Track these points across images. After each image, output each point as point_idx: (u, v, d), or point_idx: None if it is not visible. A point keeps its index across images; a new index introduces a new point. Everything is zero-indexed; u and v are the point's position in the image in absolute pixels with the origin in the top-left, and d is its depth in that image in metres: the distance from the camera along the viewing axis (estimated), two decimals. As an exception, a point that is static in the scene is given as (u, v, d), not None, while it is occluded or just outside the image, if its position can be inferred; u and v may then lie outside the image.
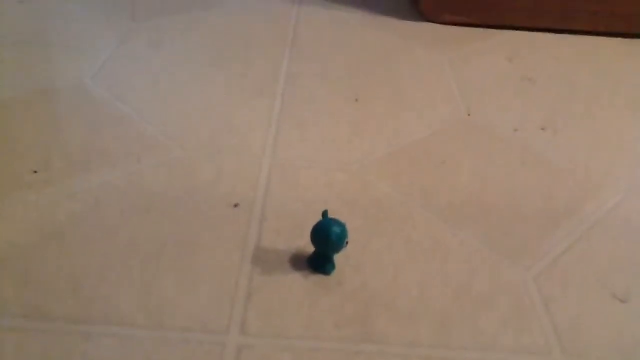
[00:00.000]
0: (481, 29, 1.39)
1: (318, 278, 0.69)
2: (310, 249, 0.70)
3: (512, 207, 0.84)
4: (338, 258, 0.71)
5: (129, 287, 0.66)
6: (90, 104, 1.00)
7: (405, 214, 0.81)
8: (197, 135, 0.93)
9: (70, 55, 1.14)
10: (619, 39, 1.39)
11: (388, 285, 0.69)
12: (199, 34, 1.25)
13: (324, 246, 0.67)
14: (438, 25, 1.40)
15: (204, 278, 0.68)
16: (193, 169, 0.86)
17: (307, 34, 1.30)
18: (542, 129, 1.04)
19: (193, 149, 0.90)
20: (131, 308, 0.63)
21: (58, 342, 0.59)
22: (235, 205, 0.79)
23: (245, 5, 1.41)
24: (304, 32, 1.31)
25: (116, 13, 1.31)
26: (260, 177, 0.85)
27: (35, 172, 0.82)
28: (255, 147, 0.91)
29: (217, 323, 0.63)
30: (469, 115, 1.05)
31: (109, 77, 1.07)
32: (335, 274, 0.70)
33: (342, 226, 0.67)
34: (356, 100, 1.06)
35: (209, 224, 0.76)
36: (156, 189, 0.81)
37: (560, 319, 0.67)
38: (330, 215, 0.69)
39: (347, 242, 0.68)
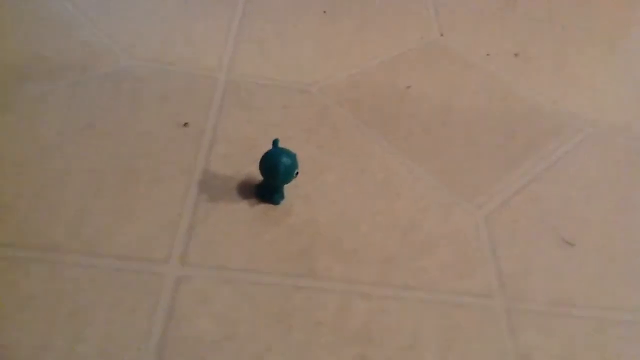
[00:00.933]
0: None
1: (265, 208, 0.67)
2: (260, 176, 0.68)
3: (472, 143, 0.81)
4: (287, 188, 0.68)
5: (63, 213, 0.63)
6: (34, 2, 0.91)
7: (362, 143, 0.78)
8: (149, 44, 0.86)
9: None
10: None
11: (336, 220, 0.68)
12: None
13: (273, 177, 0.65)
14: None
15: (145, 205, 0.65)
16: (141, 82, 0.80)
17: None
18: (515, 54, 1.00)
19: (143, 59, 0.84)
20: (64, 235, 0.61)
21: (-15, 266, 0.57)
22: (185, 125, 0.75)
23: None
24: None
25: None
26: (214, 96, 0.80)
27: (-32, 77, 0.76)
28: (210, 61, 0.85)
29: (156, 253, 0.61)
30: (441, 35, 1.00)
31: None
32: (283, 204, 0.68)
33: (292, 157, 0.64)
34: (324, 12, 0.99)
35: (155, 145, 0.72)
36: (100, 103, 0.76)
37: (506, 262, 0.67)
38: (284, 142, 0.66)
39: (297, 173, 0.65)
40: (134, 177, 0.68)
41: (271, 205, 0.67)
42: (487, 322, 0.61)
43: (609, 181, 0.80)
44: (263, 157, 0.64)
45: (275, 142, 0.65)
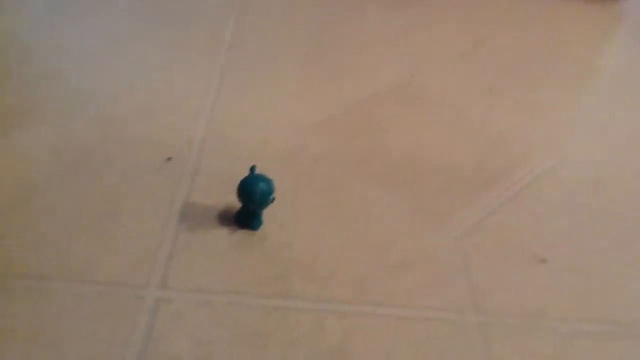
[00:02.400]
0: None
1: (244, 234, 0.70)
2: (234, 205, 0.71)
3: (444, 172, 0.85)
4: (265, 215, 0.71)
5: (50, 246, 0.65)
6: (24, 55, 0.97)
7: (336, 175, 0.81)
8: (135, 92, 0.91)
9: (7, 7, 1.09)
10: (578, 0, 1.38)
11: (311, 245, 0.70)
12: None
13: (250, 201, 0.68)
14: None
15: (129, 236, 0.68)
16: (128, 125, 0.84)
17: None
18: (484, 94, 1.05)
19: (129, 106, 0.88)
20: (50, 265, 0.63)
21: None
22: (168, 159, 0.78)
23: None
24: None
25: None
26: (196, 134, 0.84)
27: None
28: (193, 106, 0.90)
29: (137, 278, 0.63)
30: (412, 76, 1.05)
31: (46, 30, 1.03)
32: (261, 230, 0.71)
33: (268, 182, 0.67)
34: (305, 54, 1.05)
35: (140, 180, 0.75)
36: (88, 144, 0.80)
37: (478, 279, 0.69)
38: (262, 172, 0.69)
39: (273, 198, 0.68)
40: (118, 211, 0.71)
41: (250, 232, 0.70)
42: (460, 337, 0.63)
43: (574, 204, 0.83)
44: (241, 182, 0.68)
45: (252, 169, 0.68)
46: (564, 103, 1.06)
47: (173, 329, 0.58)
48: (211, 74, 0.98)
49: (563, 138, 0.97)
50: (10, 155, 0.77)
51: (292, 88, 0.98)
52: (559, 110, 1.04)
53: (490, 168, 0.87)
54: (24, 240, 0.65)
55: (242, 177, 0.69)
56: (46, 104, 0.86)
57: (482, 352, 0.61)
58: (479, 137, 0.93)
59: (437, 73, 1.08)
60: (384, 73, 1.05)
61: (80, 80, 0.92)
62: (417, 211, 0.77)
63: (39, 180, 0.73)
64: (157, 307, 0.60)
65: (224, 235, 0.69)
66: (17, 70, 0.93)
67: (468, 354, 0.61)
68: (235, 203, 0.71)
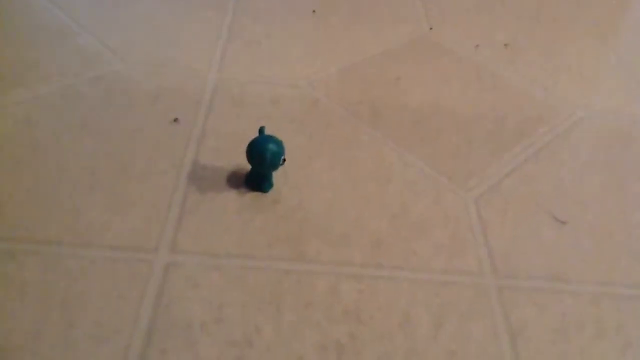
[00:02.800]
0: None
1: (254, 197, 0.68)
2: (244, 167, 0.68)
3: (463, 130, 0.82)
4: (277, 177, 0.69)
5: (57, 208, 0.64)
6: (26, 11, 0.93)
7: (351, 133, 0.79)
8: (141, 47, 0.88)
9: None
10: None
11: (325, 206, 0.68)
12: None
13: (259, 164, 0.65)
14: None
15: (137, 198, 0.66)
16: (133, 83, 0.82)
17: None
18: (505, 45, 1.00)
19: (135, 62, 0.85)
20: (58, 228, 0.62)
21: (-22, 259, 0.58)
22: (175, 120, 0.76)
23: None
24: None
25: None
26: (204, 93, 0.81)
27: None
28: (200, 62, 0.87)
29: (146, 242, 0.61)
30: (430, 29, 1.01)
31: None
32: (272, 192, 0.68)
33: (278, 143, 0.65)
34: (313, 11, 1.01)
35: (146, 141, 0.73)
36: (93, 104, 0.78)
37: (497, 241, 0.67)
38: (273, 133, 0.66)
39: (284, 160, 0.66)
40: (125, 173, 0.69)
41: (260, 194, 0.68)
42: (478, 300, 0.61)
43: (600, 162, 0.80)
44: (249, 144, 0.65)
45: (261, 130, 0.66)
46: (587, 55, 1.01)
47: (184, 293, 0.57)
48: (219, 30, 0.94)
49: (587, 91, 0.92)
50: (12, 114, 0.74)
51: (302, 43, 0.94)
52: (582, 63, 0.99)
53: (510, 125, 0.84)
54: (30, 203, 0.64)
55: (251, 138, 0.67)
56: (48, 62, 0.83)
57: (501, 315, 0.60)
58: (498, 93, 0.90)
59: (454, 27, 1.03)
60: (399, 27, 1.01)
61: (84, 37, 0.89)
62: (435, 170, 0.75)
63: (43, 141, 0.71)
64: (167, 271, 0.59)
65: (233, 198, 0.67)
66: (17, 26, 0.90)
67: (487, 316, 0.59)
68: (245, 165, 0.69)
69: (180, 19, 0.95)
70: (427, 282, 0.62)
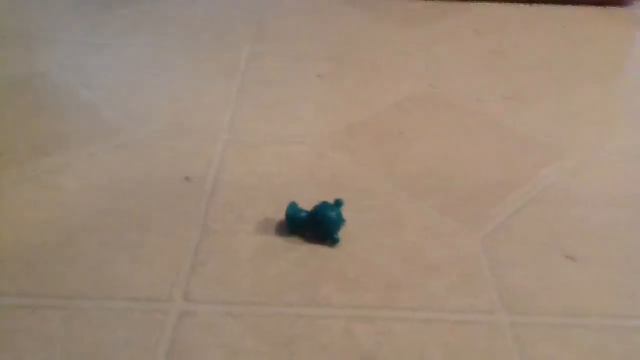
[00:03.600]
0: (453, 2, 1.38)
1: (265, 246, 0.70)
2: (255, 218, 0.71)
3: (470, 177, 0.84)
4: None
5: (82, 265, 0.67)
6: (55, 91, 1.01)
7: (362, 184, 0.81)
8: (158, 118, 0.94)
9: (38, 45, 1.15)
10: (593, 7, 1.38)
11: (336, 253, 0.70)
12: (165, 23, 1.26)
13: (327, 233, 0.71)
14: (409, 1, 1.39)
15: (155, 252, 0.69)
16: (152, 150, 0.86)
17: (274, 20, 1.30)
18: (507, 98, 1.04)
19: (153, 131, 0.91)
20: (81, 283, 0.64)
21: (2, 316, 0.60)
22: (187, 179, 0.80)
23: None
24: (270, 19, 1.31)
25: (87, 3, 1.32)
26: (215, 153, 0.85)
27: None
28: (213, 126, 0.92)
29: (161, 293, 0.63)
30: (430, 86, 1.06)
31: (75, 65, 1.07)
32: (282, 242, 0.71)
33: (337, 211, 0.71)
34: (318, 76, 1.06)
35: (163, 200, 0.77)
36: (115, 169, 0.82)
37: (508, 280, 0.68)
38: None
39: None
40: (144, 229, 0.72)
41: (272, 243, 0.70)
42: (492, 337, 0.61)
43: (607, 198, 0.81)
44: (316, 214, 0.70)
45: (338, 203, 0.72)
46: (588, 102, 1.04)
47: (199, 341, 0.58)
48: (229, 95, 1.00)
49: (589, 136, 0.95)
50: (42, 180, 0.79)
51: (310, 103, 0.99)
52: (584, 110, 1.02)
53: (516, 169, 0.86)
54: (57, 261, 0.67)
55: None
56: (74, 134, 0.89)
57: (517, 352, 0.59)
58: (503, 141, 0.92)
59: (457, 82, 1.08)
60: (404, 85, 1.06)
61: (109, 111, 0.95)
62: (446, 216, 0.76)
63: (71, 202, 0.75)
64: (180, 320, 0.60)
65: (246, 248, 0.70)
66: (48, 105, 0.97)
67: (502, 355, 0.59)
68: (255, 216, 0.72)
69: (195, 90, 1.01)
70: (441, 322, 0.62)
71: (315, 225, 0.70)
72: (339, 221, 0.70)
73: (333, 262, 0.69)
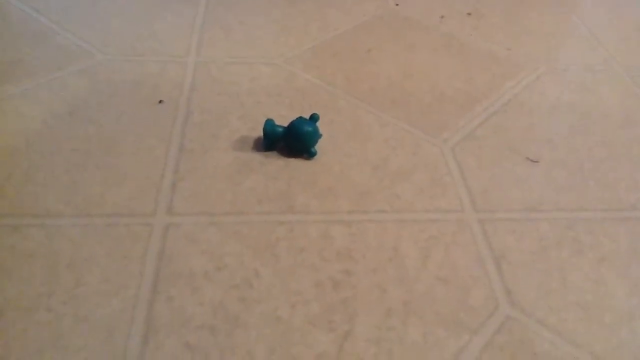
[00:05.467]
0: None
1: (242, 162, 0.71)
2: (230, 137, 0.72)
3: (433, 91, 0.86)
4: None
5: (54, 186, 0.66)
6: (7, 18, 0.96)
7: (328, 100, 0.83)
8: (120, 41, 0.91)
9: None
10: None
11: (309, 164, 0.72)
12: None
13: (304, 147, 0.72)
14: None
15: (131, 172, 0.69)
16: (116, 73, 0.85)
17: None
18: (468, 14, 1.06)
19: (115, 54, 0.89)
20: (57, 202, 0.64)
21: (-15, 235, 0.61)
22: (160, 102, 0.79)
23: None
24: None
25: None
26: (185, 75, 0.85)
27: (-48, 85, 0.80)
28: (179, 49, 0.90)
29: (144, 208, 0.64)
30: (396, 5, 1.06)
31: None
32: (259, 155, 0.72)
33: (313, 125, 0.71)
34: (283, -2, 1.05)
35: (134, 122, 0.76)
36: (79, 94, 0.81)
37: (474, 182, 0.71)
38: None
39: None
40: (116, 150, 0.72)
41: (249, 159, 0.72)
42: (461, 232, 0.65)
43: (566, 106, 0.85)
44: (296, 127, 0.71)
45: (314, 118, 0.72)
46: (547, 19, 1.07)
47: (184, 248, 0.60)
48: (194, 20, 0.98)
49: (549, 50, 0.98)
50: (3, 108, 0.77)
51: (274, 28, 0.98)
52: (543, 27, 1.05)
53: (477, 84, 0.88)
54: (29, 183, 0.67)
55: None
56: (32, 60, 0.86)
57: (485, 244, 0.63)
58: (464, 57, 0.94)
59: (419, 2, 1.08)
60: (370, 4, 1.06)
61: (64, 36, 0.92)
62: (411, 127, 0.79)
63: (34, 130, 0.74)
64: (166, 231, 0.62)
65: (223, 165, 0.71)
66: (0, 33, 0.93)
67: (471, 246, 0.63)
68: (230, 134, 0.73)
69: (156, 13, 0.99)
70: (412, 221, 0.66)
71: (292, 139, 0.71)
72: (316, 135, 0.71)
73: (307, 173, 0.71)
